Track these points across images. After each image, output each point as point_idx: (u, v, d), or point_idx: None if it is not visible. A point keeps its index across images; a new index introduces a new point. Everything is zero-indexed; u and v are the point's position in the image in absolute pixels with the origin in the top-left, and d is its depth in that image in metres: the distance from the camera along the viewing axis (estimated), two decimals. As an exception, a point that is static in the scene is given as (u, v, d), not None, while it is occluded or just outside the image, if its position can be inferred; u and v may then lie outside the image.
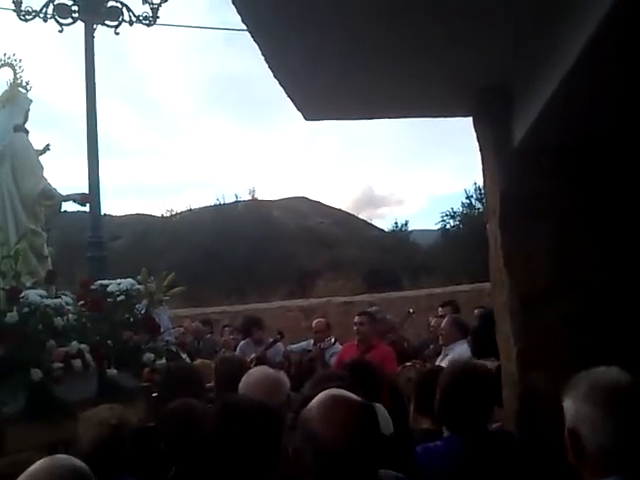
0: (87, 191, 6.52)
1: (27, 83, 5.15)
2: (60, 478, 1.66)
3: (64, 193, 5.21)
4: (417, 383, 3.13)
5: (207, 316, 9.05)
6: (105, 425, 2.46)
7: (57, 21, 7.22)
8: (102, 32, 7.43)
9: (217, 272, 20.84)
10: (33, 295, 3.97)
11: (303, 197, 30.31)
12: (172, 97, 46.14)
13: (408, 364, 4.86)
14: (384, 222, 49.71)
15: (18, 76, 5.08)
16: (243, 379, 2.69)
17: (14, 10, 7.21)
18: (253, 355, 5.99)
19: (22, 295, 3.93)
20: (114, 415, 2.52)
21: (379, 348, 5.46)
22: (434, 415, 2.69)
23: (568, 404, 1.66)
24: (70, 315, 4.14)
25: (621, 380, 1.64)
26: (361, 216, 31.17)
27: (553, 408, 1.73)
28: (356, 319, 5.67)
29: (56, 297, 4.26)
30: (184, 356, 6.72)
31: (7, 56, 5.09)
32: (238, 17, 2.13)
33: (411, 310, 6.73)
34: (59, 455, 1.79)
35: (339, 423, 1.55)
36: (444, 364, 4.57)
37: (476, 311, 6.05)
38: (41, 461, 1.71)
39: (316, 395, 1.71)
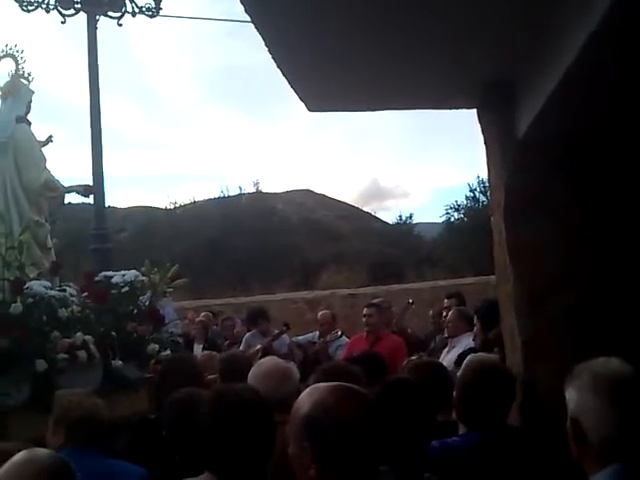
0: (91, 183, 6.51)
1: (29, 74, 5.12)
2: (36, 471, 1.66)
3: (68, 184, 5.22)
4: (422, 380, 3.11)
5: (211, 308, 9.05)
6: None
7: (59, 12, 7.19)
8: (105, 23, 7.42)
9: (221, 264, 20.88)
10: (37, 286, 3.96)
11: (307, 190, 30.30)
12: (176, 89, 46.18)
13: (413, 357, 4.86)
14: (390, 214, 49.77)
15: (20, 67, 5.05)
16: (253, 369, 2.71)
17: (16, 0, 7.19)
18: (259, 346, 5.99)
19: (26, 286, 3.93)
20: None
21: (388, 339, 5.48)
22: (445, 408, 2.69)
23: (571, 394, 1.67)
24: (74, 307, 4.15)
25: (623, 370, 1.65)
26: (367, 209, 31.21)
27: (557, 400, 1.72)
28: (365, 311, 5.70)
29: (60, 289, 4.26)
30: (199, 346, 6.76)
31: (9, 47, 5.07)
32: (241, 8, 2.12)
33: (410, 301, 6.72)
34: (38, 449, 1.79)
35: (356, 415, 1.53)
36: (450, 356, 4.58)
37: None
38: (19, 454, 1.71)
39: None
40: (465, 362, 2.69)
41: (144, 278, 4.69)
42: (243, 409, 1.89)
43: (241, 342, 6.56)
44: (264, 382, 2.54)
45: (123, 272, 4.69)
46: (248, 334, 6.63)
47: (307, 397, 1.59)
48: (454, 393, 2.59)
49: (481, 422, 2.45)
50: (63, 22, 7.25)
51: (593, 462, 1.60)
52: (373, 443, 1.53)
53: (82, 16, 7.16)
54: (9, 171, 4.67)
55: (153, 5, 7.72)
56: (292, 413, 1.59)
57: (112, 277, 4.63)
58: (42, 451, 1.78)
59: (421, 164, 51.49)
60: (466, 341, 4.58)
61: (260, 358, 4.57)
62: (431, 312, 6.54)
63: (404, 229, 25.95)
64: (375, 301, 6.46)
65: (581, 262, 2.66)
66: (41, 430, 2.67)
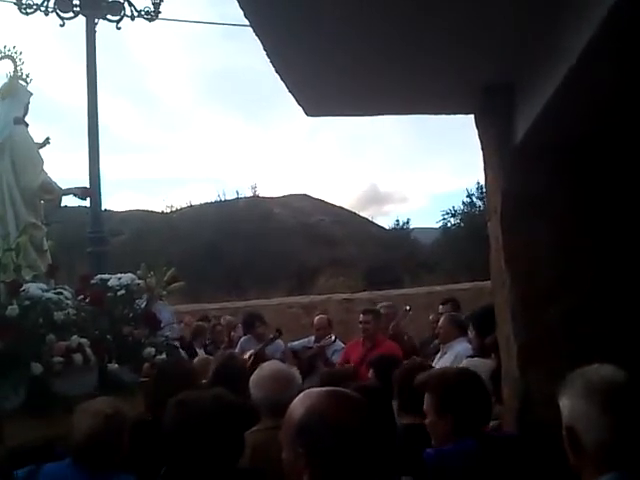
0: (87, 185, 6.50)
1: (27, 76, 5.13)
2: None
3: (65, 187, 5.21)
4: (398, 381, 3.12)
5: (207, 312, 9.04)
6: (100, 416, 2.46)
7: (58, 15, 7.21)
8: (104, 26, 7.44)
9: (217, 268, 20.84)
10: (34, 289, 3.95)
11: (304, 194, 30.28)
12: (173, 92, 46.14)
13: (406, 362, 4.85)
14: (388, 219, 49.78)
15: (18, 69, 5.06)
16: (255, 373, 2.72)
17: (15, 3, 7.20)
18: (251, 351, 5.97)
19: (23, 288, 3.92)
20: (109, 406, 2.53)
21: (384, 345, 5.48)
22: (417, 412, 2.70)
23: (564, 402, 1.67)
24: (70, 309, 4.13)
25: (616, 376, 1.64)
26: (365, 214, 31.22)
27: (553, 406, 1.73)
28: (361, 317, 5.69)
29: (56, 291, 4.25)
30: (200, 351, 6.74)
31: (7, 48, 5.08)
32: (240, 12, 2.13)
33: (407, 307, 6.74)
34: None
35: (350, 420, 1.52)
36: (442, 362, 4.57)
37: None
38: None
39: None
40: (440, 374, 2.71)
41: (140, 281, 4.68)
42: (202, 417, 1.91)
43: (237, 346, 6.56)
44: (267, 386, 2.55)
45: (119, 275, 4.69)
46: (243, 338, 6.62)
47: (300, 402, 1.58)
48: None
49: (473, 429, 2.45)
50: (62, 25, 7.27)
51: (590, 470, 1.59)
52: (367, 448, 1.52)
53: (81, 19, 7.18)
54: (6, 173, 4.67)
55: (152, 9, 7.75)
56: (285, 418, 1.58)
57: (108, 280, 4.62)
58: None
59: (420, 169, 51.49)
60: (458, 347, 4.56)
61: (252, 364, 4.57)
62: (431, 317, 6.55)
63: (401, 234, 25.93)
64: (380, 305, 6.46)
65: (577, 268, 2.66)
66: (36, 433, 2.66)
